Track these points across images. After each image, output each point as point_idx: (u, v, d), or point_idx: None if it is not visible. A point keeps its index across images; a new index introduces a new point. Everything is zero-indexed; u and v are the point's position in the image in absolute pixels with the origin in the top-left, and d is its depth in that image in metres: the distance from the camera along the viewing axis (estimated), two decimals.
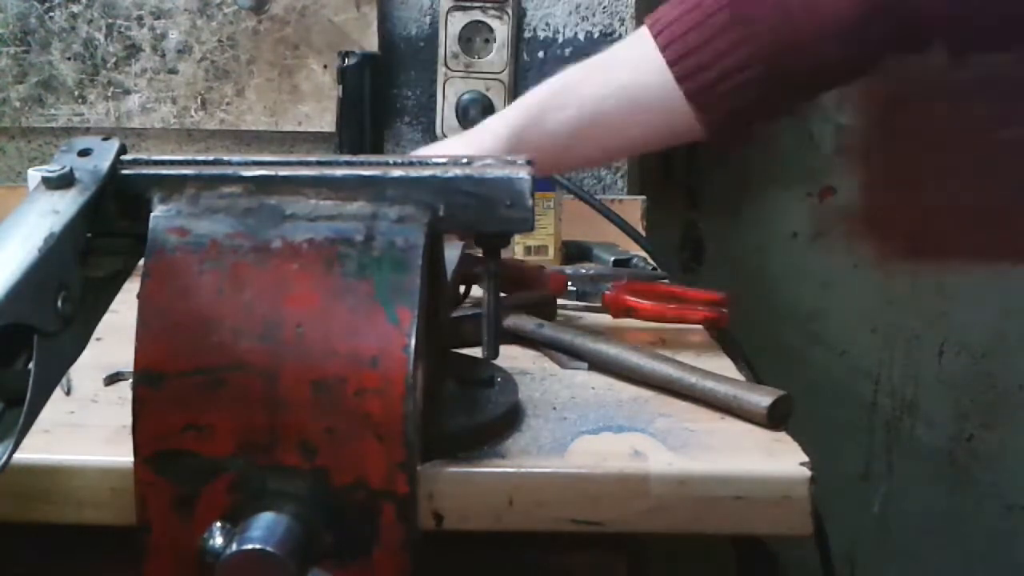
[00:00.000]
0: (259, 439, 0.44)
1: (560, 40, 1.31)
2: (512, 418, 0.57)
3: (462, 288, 0.83)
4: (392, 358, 0.44)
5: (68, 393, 0.62)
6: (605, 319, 0.88)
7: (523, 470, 0.51)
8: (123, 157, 0.49)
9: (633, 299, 0.87)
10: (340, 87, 1.18)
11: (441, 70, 1.30)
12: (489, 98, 1.28)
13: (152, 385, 0.44)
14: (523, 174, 0.49)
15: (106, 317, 0.48)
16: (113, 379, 0.64)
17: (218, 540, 0.42)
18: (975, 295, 1.74)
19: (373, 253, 0.46)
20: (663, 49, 0.67)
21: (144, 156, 0.50)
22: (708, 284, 0.97)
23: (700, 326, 0.85)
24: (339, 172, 0.48)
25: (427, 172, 0.49)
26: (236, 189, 0.48)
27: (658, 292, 0.90)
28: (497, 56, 1.29)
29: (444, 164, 0.50)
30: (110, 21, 1.28)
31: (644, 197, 1.31)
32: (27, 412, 0.41)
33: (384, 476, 0.44)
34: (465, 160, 0.51)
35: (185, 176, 0.48)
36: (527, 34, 1.31)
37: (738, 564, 1.07)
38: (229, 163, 0.49)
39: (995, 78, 1.68)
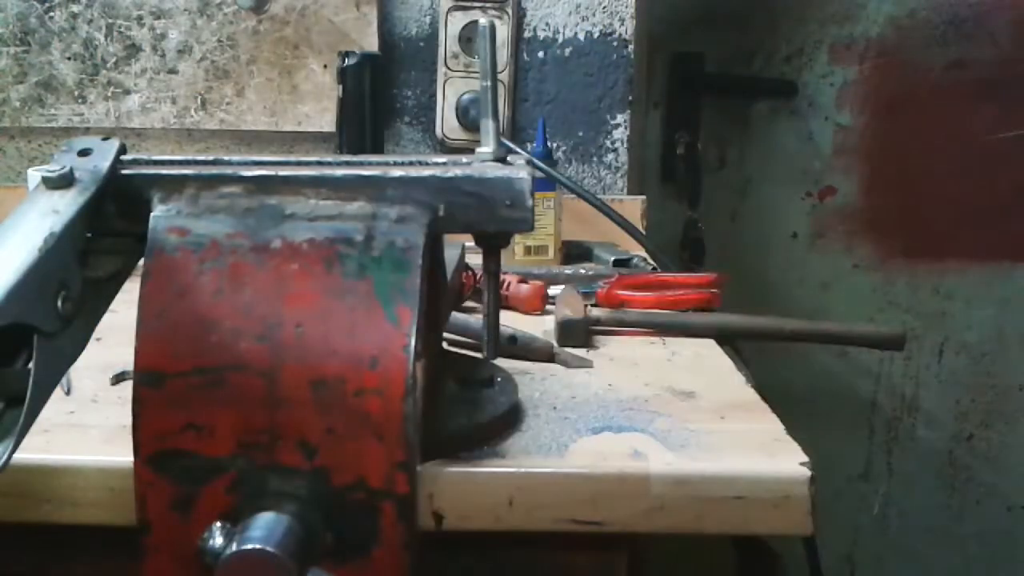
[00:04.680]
0: (259, 439, 0.44)
1: (560, 40, 1.31)
2: (512, 418, 0.57)
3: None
4: (392, 358, 0.44)
5: (68, 393, 0.62)
6: None
7: (523, 470, 0.51)
8: (123, 157, 0.49)
9: (626, 293, 0.88)
10: (340, 87, 1.18)
11: (441, 70, 1.30)
12: None
13: (152, 385, 0.44)
14: (523, 174, 0.49)
15: (106, 317, 0.48)
16: (119, 378, 0.64)
17: (218, 540, 0.42)
18: (974, 295, 1.74)
19: (373, 253, 0.46)
20: None
21: (144, 156, 0.50)
22: None
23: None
24: (339, 172, 0.48)
25: (427, 172, 0.49)
26: (236, 189, 0.48)
27: (650, 283, 0.91)
28: (497, 56, 1.29)
29: (444, 164, 0.50)
30: (110, 21, 1.28)
31: (644, 197, 1.31)
32: (27, 412, 0.41)
33: (384, 476, 0.44)
34: (465, 160, 0.51)
35: (185, 176, 0.48)
36: (527, 34, 1.31)
37: (738, 564, 1.07)
38: (229, 163, 0.49)
39: (995, 80, 1.68)
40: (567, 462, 0.52)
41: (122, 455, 0.47)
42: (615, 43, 1.31)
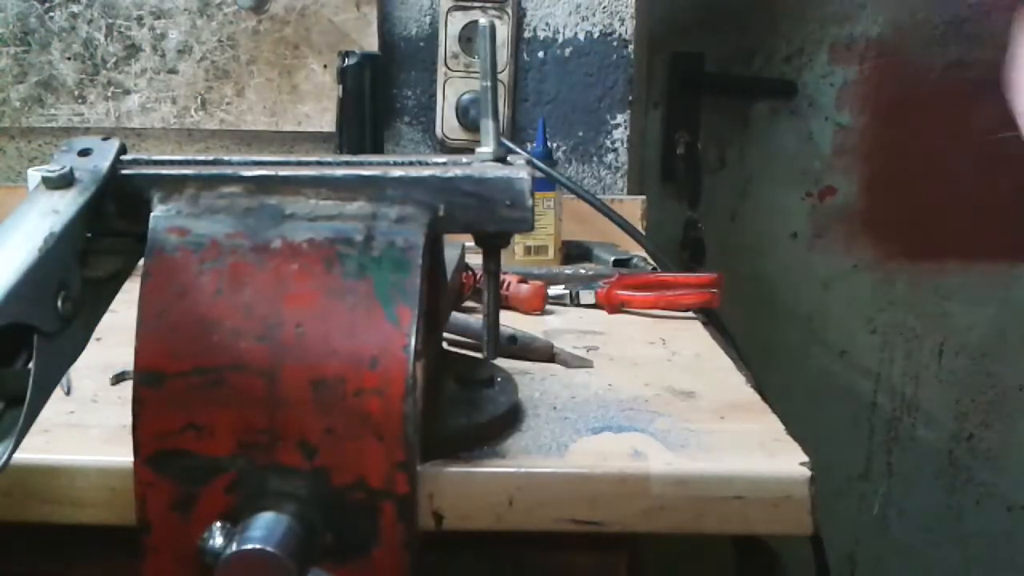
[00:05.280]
0: (259, 439, 0.44)
1: (560, 40, 1.31)
2: (512, 418, 0.57)
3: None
4: (392, 358, 0.44)
5: (68, 393, 0.62)
6: (601, 316, 0.88)
7: (523, 470, 0.51)
8: (123, 157, 0.49)
9: (625, 293, 0.88)
10: (340, 87, 1.18)
11: (441, 70, 1.30)
12: None
13: (152, 385, 0.44)
14: (523, 174, 0.49)
15: (106, 317, 0.48)
16: (119, 378, 0.64)
17: (218, 540, 0.42)
18: (974, 295, 1.74)
19: (373, 253, 0.46)
20: None
21: (144, 156, 0.50)
22: None
23: (700, 325, 0.86)
24: (339, 172, 0.48)
25: (427, 172, 0.49)
26: (236, 189, 0.48)
27: (649, 283, 0.91)
28: (497, 56, 1.29)
29: (444, 164, 0.50)
30: (110, 21, 1.28)
31: (644, 197, 1.31)
32: (27, 412, 0.41)
33: (384, 476, 0.44)
34: (465, 160, 0.51)
35: (185, 176, 0.48)
36: (527, 34, 1.31)
37: (738, 564, 1.07)
38: (229, 163, 0.49)
39: (995, 80, 1.68)
40: (567, 462, 0.52)
41: (122, 455, 0.47)
42: (615, 43, 1.32)
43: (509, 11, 1.28)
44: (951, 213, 1.70)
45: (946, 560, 1.81)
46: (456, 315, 0.77)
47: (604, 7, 1.31)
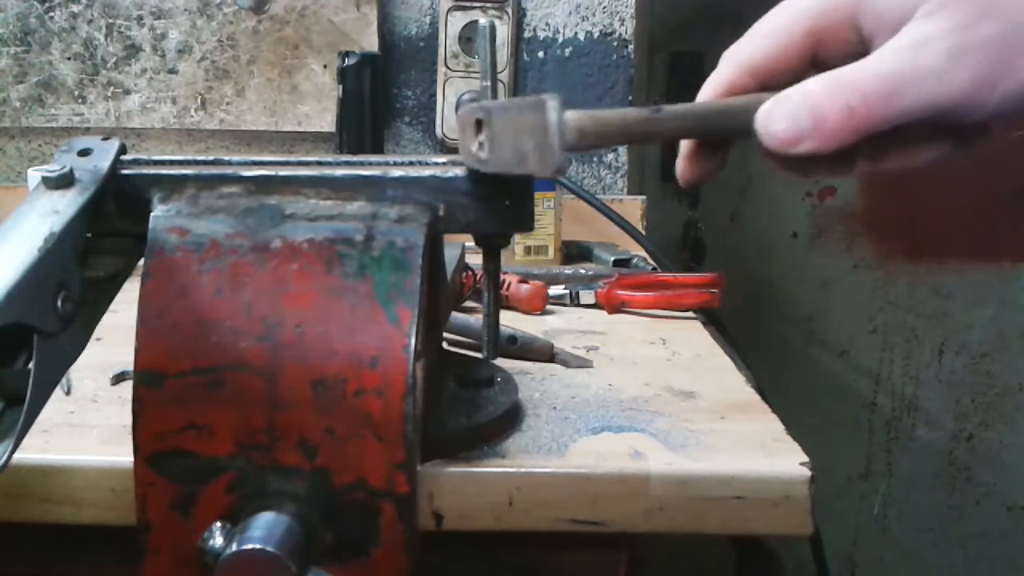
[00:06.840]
0: (259, 439, 0.44)
1: (560, 40, 1.31)
2: (512, 418, 0.57)
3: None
4: (392, 358, 0.44)
5: (68, 393, 0.62)
6: (601, 316, 0.88)
7: (523, 470, 0.51)
8: (123, 157, 0.49)
9: (625, 293, 0.88)
10: (340, 87, 1.18)
11: (441, 70, 1.30)
12: None
13: (152, 385, 0.44)
14: (523, 173, 0.49)
15: (106, 317, 0.48)
16: (119, 378, 0.64)
17: (218, 540, 0.42)
18: (974, 295, 1.74)
19: (373, 253, 0.46)
20: None
21: (144, 156, 0.50)
22: None
23: (700, 325, 0.86)
24: (339, 172, 0.48)
25: (427, 172, 0.49)
26: (236, 189, 0.48)
27: (649, 282, 0.91)
28: (497, 56, 1.28)
29: (444, 164, 0.50)
30: (110, 21, 1.28)
31: (644, 197, 1.31)
32: (27, 412, 0.41)
33: (384, 476, 0.44)
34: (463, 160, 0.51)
35: (185, 176, 0.48)
36: (527, 34, 1.31)
37: (738, 564, 1.07)
38: (229, 163, 0.49)
39: None
40: (567, 462, 0.52)
41: (122, 455, 0.47)
42: (615, 43, 1.31)
43: (509, 11, 1.28)
44: (951, 213, 1.70)
45: (946, 560, 1.81)
46: (456, 315, 0.77)
47: (604, 7, 1.31)
